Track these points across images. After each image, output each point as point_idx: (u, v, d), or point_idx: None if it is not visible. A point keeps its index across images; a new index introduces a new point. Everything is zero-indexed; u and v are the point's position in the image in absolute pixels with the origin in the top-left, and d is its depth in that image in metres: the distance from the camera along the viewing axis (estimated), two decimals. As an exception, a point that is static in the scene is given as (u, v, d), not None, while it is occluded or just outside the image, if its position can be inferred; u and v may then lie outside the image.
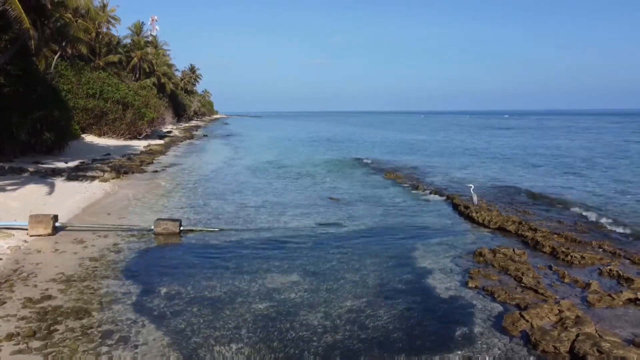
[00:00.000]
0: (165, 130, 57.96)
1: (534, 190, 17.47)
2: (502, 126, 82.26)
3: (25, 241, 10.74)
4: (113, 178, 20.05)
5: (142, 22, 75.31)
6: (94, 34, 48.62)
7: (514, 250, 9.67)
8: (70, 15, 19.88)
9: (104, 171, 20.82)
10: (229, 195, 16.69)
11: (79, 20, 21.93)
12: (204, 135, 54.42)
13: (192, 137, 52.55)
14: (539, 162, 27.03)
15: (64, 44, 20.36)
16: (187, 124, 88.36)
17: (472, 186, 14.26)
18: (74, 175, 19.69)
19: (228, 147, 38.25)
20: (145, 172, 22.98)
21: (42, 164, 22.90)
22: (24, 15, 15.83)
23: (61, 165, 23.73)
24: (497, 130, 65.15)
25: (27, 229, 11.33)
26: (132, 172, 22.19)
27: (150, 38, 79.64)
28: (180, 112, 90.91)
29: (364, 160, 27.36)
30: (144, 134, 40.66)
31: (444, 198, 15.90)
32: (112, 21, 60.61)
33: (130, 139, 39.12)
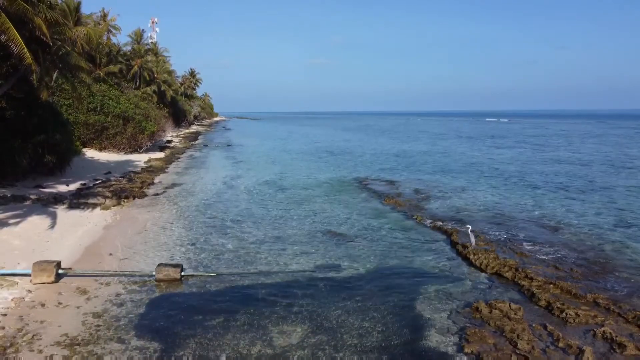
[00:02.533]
0: (165, 139, 58.14)
1: (532, 222, 17.62)
2: (501, 133, 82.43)
3: (29, 291, 10.90)
4: (114, 205, 20.22)
5: (143, 30, 75.57)
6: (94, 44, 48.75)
7: (509, 305, 9.83)
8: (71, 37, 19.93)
9: (105, 197, 20.96)
10: (229, 228, 16.84)
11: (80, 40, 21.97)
12: (204, 145, 54.51)
13: (192, 147, 52.67)
14: (537, 181, 27.16)
15: (65, 71, 20.41)
16: (187, 130, 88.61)
17: (470, 227, 14.41)
18: (75, 203, 19.85)
19: (228, 161, 38.37)
20: (146, 195, 23.13)
21: (44, 187, 23.09)
22: (26, 51, 15.99)
23: (62, 188, 23.92)
24: (496, 139, 65.26)
25: (30, 276, 11.50)
26: (133, 197, 22.33)
27: (151, 45, 79.82)
28: (180, 118, 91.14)
29: (364, 181, 27.50)
30: (145, 147, 40.82)
31: (443, 233, 16.03)
32: (113, 30, 60.91)
33: (131, 152, 39.32)
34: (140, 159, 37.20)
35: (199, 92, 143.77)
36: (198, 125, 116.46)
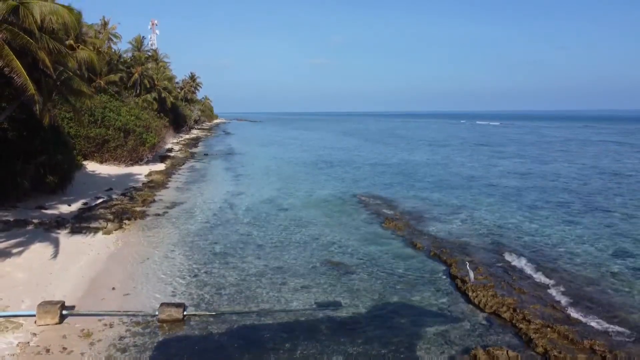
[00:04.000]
0: (166, 147, 58.26)
1: (530, 250, 17.78)
2: (500, 141, 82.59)
3: (34, 334, 11.04)
4: (116, 229, 20.37)
5: (143, 37, 75.79)
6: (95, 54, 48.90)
7: (507, 352, 9.97)
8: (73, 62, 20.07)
9: (106, 220, 21.11)
10: (230, 256, 16.99)
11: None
12: (204, 154, 54.64)
13: (192, 156, 52.79)
14: (536, 199, 27.30)
15: (66, 95, 20.56)
16: (187, 136, 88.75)
17: (468, 263, 14.57)
18: (77, 227, 20.00)
19: (228, 174, 38.51)
20: (148, 216, 23.28)
21: (46, 208, 23.23)
22: (29, 82, 16.13)
23: (64, 208, 24.08)
24: (494, 148, 65.39)
25: (35, 316, 11.65)
26: (135, 218, 22.48)
27: (151, 52, 80.00)
28: (180, 123, 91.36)
29: (364, 199, 27.65)
30: (146, 159, 40.96)
31: (442, 263, 16.18)
32: (114, 39, 61.06)
33: (132, 164, 39.47)
34: (141, 171, 37.32)
35: (199, 94, 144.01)
36: (198, 129, 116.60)
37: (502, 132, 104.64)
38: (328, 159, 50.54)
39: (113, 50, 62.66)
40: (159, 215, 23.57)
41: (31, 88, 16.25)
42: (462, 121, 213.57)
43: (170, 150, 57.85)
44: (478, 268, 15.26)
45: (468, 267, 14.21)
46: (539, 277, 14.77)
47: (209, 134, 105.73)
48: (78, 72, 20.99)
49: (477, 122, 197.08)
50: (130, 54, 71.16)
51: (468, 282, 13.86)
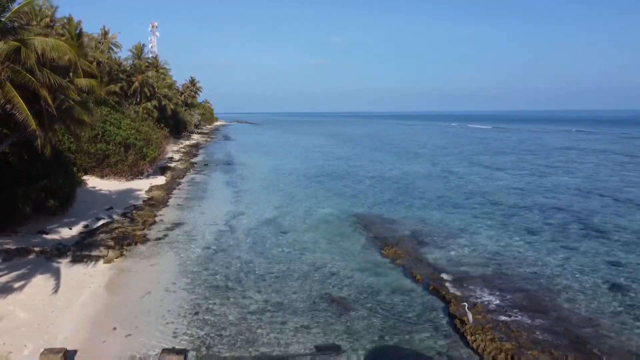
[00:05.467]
0: (166, 156, 58.32)
1: (529, 282, 17.90)
2: (497, 149, 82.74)
3: (37, 385, 11.15)
4: (117, 257, 20.48)
5: (143, 45, 75.95)
6: (95, 64, 49.07)
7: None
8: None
9: (107, 247, 21.20)
10: (231, 290, 17.09)
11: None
12: (204, 165, 54.74)
13: (192, 167, 52.88)
14: (535, 222, 27.37)
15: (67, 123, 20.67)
16: (188, 142, 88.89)
17: (466, 304, 14.68)
18: (78, 256, 20.11)
19: (228, 190, 38.60)
20: (148, 240, 23.40)
21: (47, 233, 23.35)
22: (31, 119, 16.22)
23: (65, 231, 24.21)
24: (493, 158, 65.46)
25: (37, 365, 11.76)
26: (135, 243, 22.60)
27: (151, 59, 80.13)
28: (181, 129, 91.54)
29: (363, 220, 27.78)
30: (146, 173, 41.06)
31: (441, 299, 16.28)
32: (114, 49, 61.21)
33: (132, 178, 39.56)
34: (142, 186, 37.40)
35: (200, 98, 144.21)
36: (198, 134, 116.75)
37: (497, 139, 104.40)
38: (328, 170, 50.64)
39: (113, 59, 62.86)
40: (159, 239, 23.68)
41: (32, 124, 16.34)
42: (452, 124, 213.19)
43: (170, 159, 57.98)
44: (477, 306, 15.36)
45: (466, 309, 14.32)
46: (537, 318, 14.85)
47: (209, 139, 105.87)
48: (79, 98, 21.03)
49: (469, 125, 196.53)
50: (130, 62, 71.37)
51: (467, 323, 13.96)
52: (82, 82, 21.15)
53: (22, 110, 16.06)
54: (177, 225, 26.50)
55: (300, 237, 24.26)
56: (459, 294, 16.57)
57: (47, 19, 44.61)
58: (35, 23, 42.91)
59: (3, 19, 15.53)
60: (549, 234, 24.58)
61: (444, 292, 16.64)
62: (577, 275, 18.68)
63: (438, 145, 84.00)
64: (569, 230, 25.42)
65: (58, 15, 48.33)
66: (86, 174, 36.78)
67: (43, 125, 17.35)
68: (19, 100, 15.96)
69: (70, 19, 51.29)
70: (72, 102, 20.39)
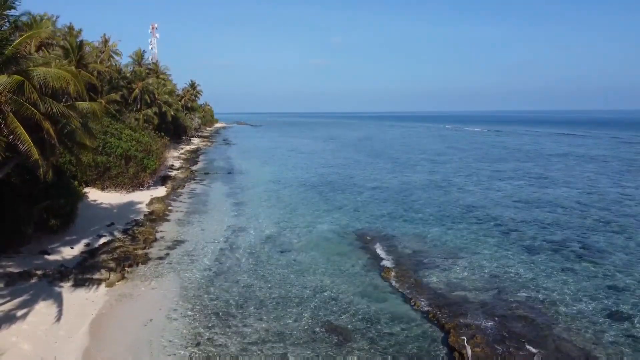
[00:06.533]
0: (167, 163, 58.45)
1: (528, 308, 18.04)
2: (495, 155, 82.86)
3: None
4: (118, 280, 20.64)
5: (144, 51, 76.13)
6: (96, 73, 49.22)
7: None
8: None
9: (109, 270, 21.34)
10: (231, 318, 17.21)
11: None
12: (205, 174, 54.88)
13: (193, 176, 53.00)
14: (535, 240, 27.48)
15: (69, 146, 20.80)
16: (188, 147, 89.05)
17: (465, 338, 14.83)
18: (80, 279, 20.26)
19: (229, 202, 38.73)
20: (150, 259, 23.57)
21: (49, 253, 23.48)
22: (33, 148, 16.36)
23: (67, 251, 24.34)
24: (492, 166, 65.58)
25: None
26: (137, 264, 22.75)
27: (152, 65, 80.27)
28: (181, 134, 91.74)
29: (364, 237, 27.94)
30: (147, 185, 41.20)
31: (441, 329, 16.43)
32: (115, 56, 61.36)
33: (133, 190, 39.71)
34: (143, 198, 37.53)
35: (200, 100, 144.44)
36: (199, 138, 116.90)
37: (494, 144, 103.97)
38: (328, 179, 50.79)
39: (114, 65, 62.98)
40: (161, 258, 23.82)
41: (35, 154, 16.49)
42: (447, 126, 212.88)
43: (171, 167, 58.12)
44: (475, 337, 15.51)
45: (465, 343, 14.47)
46: (536, 348, 15.00)
47: (209, 143, 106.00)
48: (81, 121, 21.15)
49: (466, 128, 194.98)
50: (131, 68, 71.55)
51: (466, 358, 14.10)
52: (84, 105, 21.26)
53: (25, 141, 16.21)
54: (178, 243, 26.63)
55: (300, 256, 24.40)
56: (458, 322, 16.70)
57: (48, 30, 44.72)
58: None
59: (5, 52, 15.64)
60: (548, 254, 24.69)
61: (443, 321, 16.79)
62: (575, 302, 18.82)
63: (437, 152, 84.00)
64: (567, 249, 25.55)
65: (58, 16, 48.59)
66: (87, 186, 36.92)
67: (45, 154, 17.47)
68: (21, 131, 16.10)
69: (71, 28, 51.54)
70: (74, 127, 20.52)
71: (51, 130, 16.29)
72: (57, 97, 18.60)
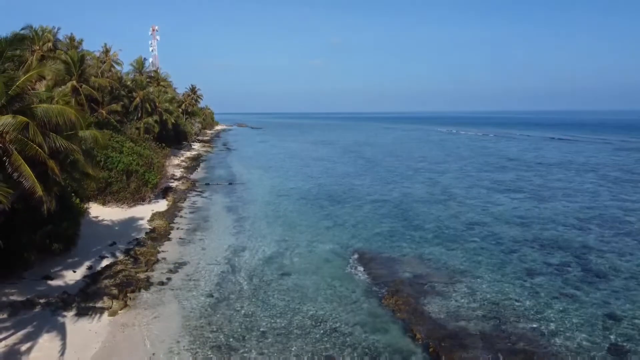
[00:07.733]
0: (167, 173, 58.58)
1: (528, 341, 18.19)
2: (495, 165, 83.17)
3: None
4: (121, 308, 20.78)
5: (144, 58, 76.29)
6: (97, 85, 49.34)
7: None
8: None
9: (111, 297, 21.48)
10: (234, 351, 17.36)
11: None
12: (206, 184, 55.05)
13: (193, 187, 53.15)
14: (535, 262, 27.59)
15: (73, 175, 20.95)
16: (189, 153, 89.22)
17: (466, 380, 15.00)
18: (83, 308, 20.41)
19: (230, 218, 38.87)
20: (152, 284, 23.70)
21: (52, 278, 23.60)
22: (37, 185, 16.51)
23: (69, 274, 24.47)
24: (493, 176, 65.73)
25: None
26: (139, 289, 22.89)
27: (153, 73, 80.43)
28: (181, 140, 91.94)
29: (363, 257, 28.12)
30: (148, 199, 41.34)
31: (440, 364, 16.61)
32: (116, 66, 61.52)
33: (134, 205, 39.84)
34: (144, 214, 37.67)
35: (201, 104, 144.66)
36: (199, 142, 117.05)
37: (493, 152, 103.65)
38: (328, 191, 50.95)
39: (114, 72, 63.08)
40: (162, 283, 23.93)
41: (39, 190, 16.64)
42: (442, 129, 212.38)
43: (172, 176, 58.23)
44: (476, 374, 15.66)
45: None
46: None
47: (209, 148, 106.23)
48: (84, 148, 21.32)
49: (461, 132, 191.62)
50: (132, 75, 71.75)
51: (466, 399, 14.26)
52: (87, 134, 21.43)
53: (29, 178, 16.36)
54: (179, 265, 26.75)
55: (301, 281, 24.53)
56: (458, 356, 16.84)
57: (50, 44, 44.92)
58: (37, 47, 43.24)
59: (10, 92, 15.78)
60: (548, 278, 24.82)
61: (443, 356, 16.93)
62: (574, 332, 18.96)
63: (435, 160, 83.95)
64: (568, 272, 25.68)
65: (59, 28, 48.69)
66: (89, 201, 37.05)
67: (49, 189, 17.61)
68: (25, 169, 16.26)
69: (72, 39, 51.67)
70: (77, 156, 20.67)
71: (56, 170, 16.46)
72: (59, 128, 18.74)
